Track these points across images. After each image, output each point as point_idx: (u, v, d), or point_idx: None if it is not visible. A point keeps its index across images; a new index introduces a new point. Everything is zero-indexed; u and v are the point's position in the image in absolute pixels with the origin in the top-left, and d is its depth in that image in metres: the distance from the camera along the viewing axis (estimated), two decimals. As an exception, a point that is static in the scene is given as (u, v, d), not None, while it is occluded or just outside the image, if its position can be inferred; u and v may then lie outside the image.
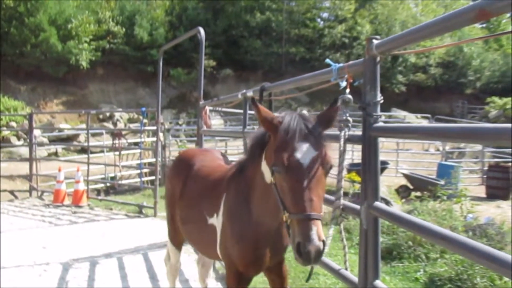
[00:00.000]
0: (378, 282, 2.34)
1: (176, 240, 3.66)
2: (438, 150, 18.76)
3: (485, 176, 14.16)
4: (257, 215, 2.38)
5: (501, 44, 45.14)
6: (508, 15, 44.62)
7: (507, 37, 46.57)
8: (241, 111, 4.75)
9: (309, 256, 1.73)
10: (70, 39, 25.53)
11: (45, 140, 18.58)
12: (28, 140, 12.35)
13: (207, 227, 2.74)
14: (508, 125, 1.35)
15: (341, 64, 2.55)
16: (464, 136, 1.82)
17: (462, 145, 20.07)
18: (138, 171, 10.80)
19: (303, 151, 1.89)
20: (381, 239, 6.14)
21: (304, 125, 1.96)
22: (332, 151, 2.06)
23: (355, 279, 2.52)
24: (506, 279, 4.74)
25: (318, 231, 1.76)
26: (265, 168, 2.21)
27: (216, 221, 2.66)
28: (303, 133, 1.94)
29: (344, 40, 32.82)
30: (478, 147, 17.57)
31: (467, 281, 5.00)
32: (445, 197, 8.48)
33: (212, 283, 4.51)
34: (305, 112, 2.52)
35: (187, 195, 3.11)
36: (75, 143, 19.60)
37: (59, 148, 19.47)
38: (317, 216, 1.79)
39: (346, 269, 2.78)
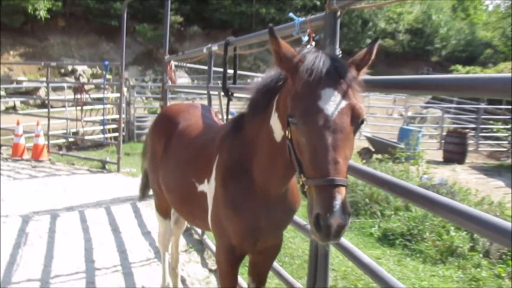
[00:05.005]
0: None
1: (161, 207, 3.35)
2: (401, 115, 19.28)
3: (443, 141, 14.72)
4: (260, 181, 2.03)
5: (468, 13, 45.95)
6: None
7: (474, 6, 47.46)
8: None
9: (329, 231, 1.40)
10: (27, -14, 24.05)
11: (2, 93, 17.78)
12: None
13: (197, 195, 2.39)
14: (508, 74, 1.31)
15: (303, 18, 2.55)
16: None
17: (424, 111, 20.71)
18: (101, 127, 10.59)
19: (329, 99, 1.51)
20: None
21: (332, 66, 1.56)
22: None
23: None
24: (452, 233, 5.07)
25: (342, 201, 1.42)
26: (275, 122, 1.85)
27: (208, 187, 2.29)
28: (330, 75, 1.54)
29: (315, 2, 32.49)
30: (439, 113, 18.17)
31: (417, 236, 5.33)
32: (403, 159, 8.83)
33: (197, 269, 4.54)
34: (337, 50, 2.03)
35: (171, 158, 2.73)
36: (34, 97, 18.85)
37: (17, 101, 18.72)
38: (342, 182, 1.44)
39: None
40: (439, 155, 14.14)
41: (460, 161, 13.38)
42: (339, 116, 1.50)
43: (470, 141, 14.93)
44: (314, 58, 1.57)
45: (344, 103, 1.52)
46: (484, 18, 45.53)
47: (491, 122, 16.47)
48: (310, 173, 1.50)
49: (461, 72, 26.15)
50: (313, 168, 1.48)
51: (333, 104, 1.51)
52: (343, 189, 1.44)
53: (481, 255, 4.94)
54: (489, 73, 22.15)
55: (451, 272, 4.62)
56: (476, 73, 23.33)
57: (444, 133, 15.06)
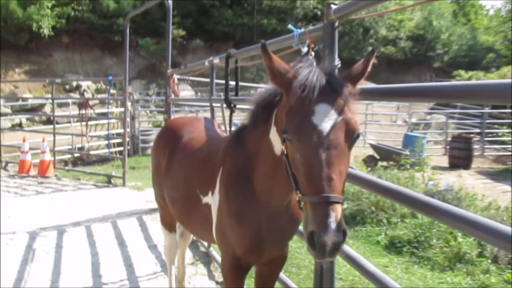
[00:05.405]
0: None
1: (167, 221, 3.36)
2: (405, 121, 19.25)
3: (448, 147, 14.67)
4: (263, 192, 2.04)
5: (469, 18, 46.05)
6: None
7: (475, 11, 47.59)
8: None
9: (324, 249, 1.39)
10: (31, 5, 24.41)
11: (8, 111, 17.96)
12: (-11, 110, 11.93)
13: (201, 207, 2.40)
14: (508, 80, 1.31)
15: (302, 30, 2.58)
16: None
17: (428, 117, 20.67)
18: (107, 142, 10.66)
19: (323, 114, 1.50)
20: (345, 205, 6.31)
21: (326, 81, 1.55)
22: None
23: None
24: (460, 239, 5.04)
25: (337, 218, 1.40)
26: (274, 136, 1.86)
27: (212, 199, 2.31)
28: (324, 91, 1.52)
29: (316, 12, 32.70)
30: (443, 118, 18.14)
31: (424, 243, 5.29)
32: (408, 166, 8.81)
33: (204, 282, 4.46)
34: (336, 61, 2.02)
35: (175, 171, 2.74)
36: (40, 113, 19.05)
37: (23, 118, 18.91)
38: (337, 199, 1.42)
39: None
40: (444, 161, 14.08)
41: (466, 166, 13.33)
42: (333, 132, 1.49)
43: (476, 146, 14.87)
44: (307, 73, 1.56)
45: (338, 119, 1.51)
46: (485, 22, 45.59)
47: (496, 126, 16.41)
48: (305, 190, 1.49)
49: (464, 77, 26.17)
50: (307, 185, 1.47)
51: (327, 119, 1.50)
52: (338, 206, 1.42)
53: (489, 261, 4.89)
54: (492, 77, 22.18)
55: (459, 279, 4.58)
56: (479, 77, 23.38)
57: (449, 139, 15.02)
